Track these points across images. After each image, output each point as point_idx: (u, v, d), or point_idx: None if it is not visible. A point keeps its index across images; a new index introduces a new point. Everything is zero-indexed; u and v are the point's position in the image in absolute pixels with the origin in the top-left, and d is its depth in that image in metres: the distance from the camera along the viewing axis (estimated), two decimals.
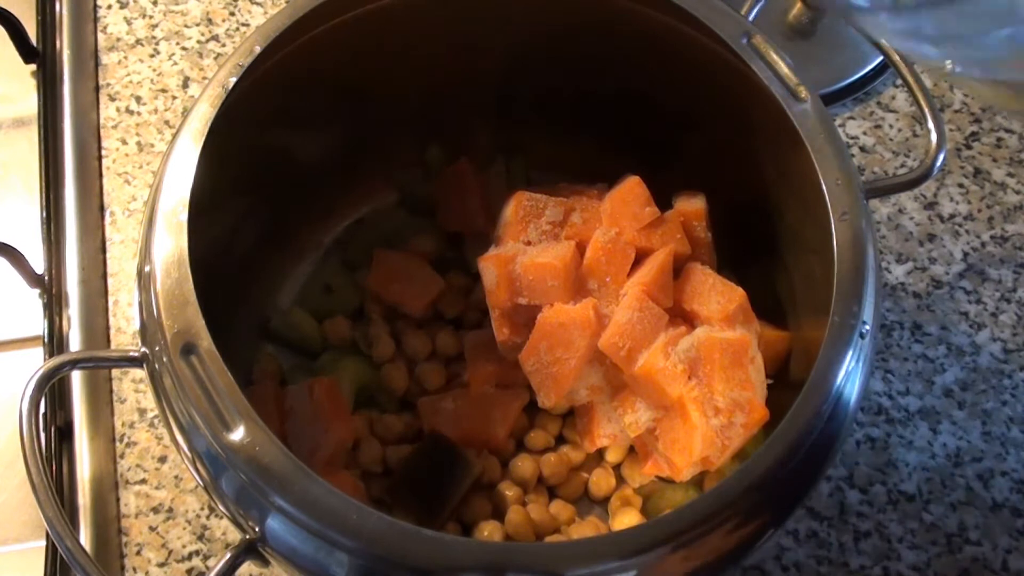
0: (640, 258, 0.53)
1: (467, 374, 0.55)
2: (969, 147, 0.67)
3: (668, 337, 0.49)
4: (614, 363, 0.50)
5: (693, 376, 0.49)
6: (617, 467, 0.55)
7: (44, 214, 0.62)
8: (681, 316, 0.52)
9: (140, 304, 0.44)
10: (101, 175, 0.64)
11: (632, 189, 0.53)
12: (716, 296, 0.51)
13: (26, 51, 0.67)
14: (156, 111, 0.66)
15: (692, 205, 0.55)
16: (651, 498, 0.54)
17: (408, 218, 0.61)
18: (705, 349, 0.49)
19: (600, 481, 0.54)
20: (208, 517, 0.55)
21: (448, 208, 0.60)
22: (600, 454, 0.55)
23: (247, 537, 0.40)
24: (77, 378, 0.57)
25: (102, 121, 0.65)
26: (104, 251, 0.62)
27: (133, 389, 0.58)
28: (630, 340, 0.49)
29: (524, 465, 0.53)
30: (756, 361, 0.50)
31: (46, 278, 0.60)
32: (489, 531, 0.51)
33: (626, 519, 0.53)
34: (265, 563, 0.41)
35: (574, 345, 0.50)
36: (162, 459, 0.56)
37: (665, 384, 0.48)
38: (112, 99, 0.66)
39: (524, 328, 0.52)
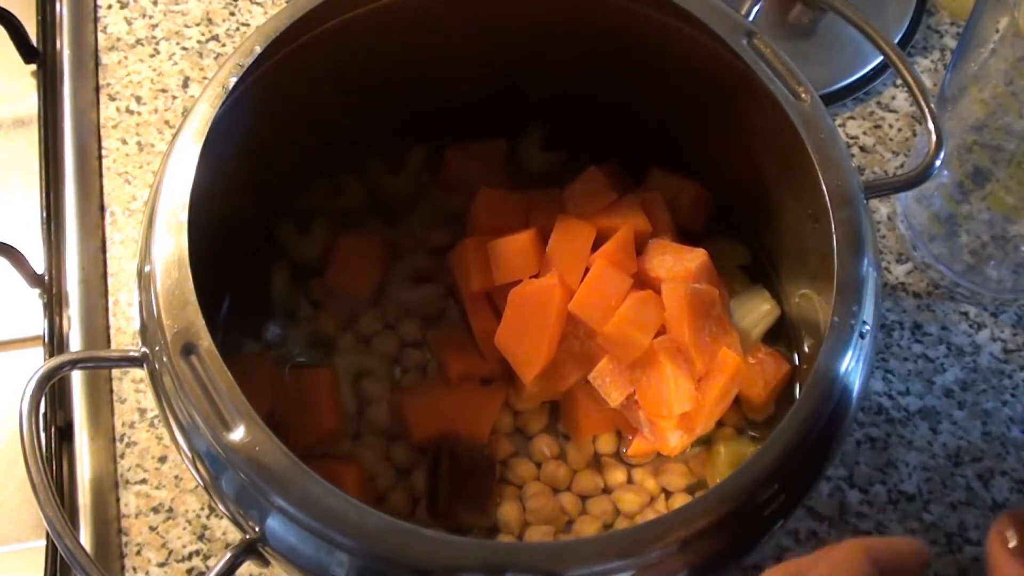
0: (601, 241, 0.53)
1: (443, 367, 0.55)
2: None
3: (636, 296, 0.51)
4: (587, 332, 0.51)
5: (663, 331, 0.50)
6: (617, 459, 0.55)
7: (44, 214, 0.62)
8: (647, 285, 0.53)
9: (140, 304, 0.44)
10: (101, 175, 0.64)
11: (591, 178, 0.55)
12: (678, 259, 0.52)
13: (26, 51, 0.67)
14: (156, 111, 0.66)
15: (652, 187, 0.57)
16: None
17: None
18: (672, 299, 0.50)
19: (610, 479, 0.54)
20: (208, 517, 0.55)
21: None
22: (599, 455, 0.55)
23: (247, 537, 0.40)
24: (77, 378, 0.57)
25: (102, 121, 0.65)
26: (104, 251, 0.62)
27: (133, 389, 0.58)
28: (599, 299, 0.51)
29: (521, 463, 0.53)
30: (724, 320, 0.51)
31: (46, 278, 0.60)
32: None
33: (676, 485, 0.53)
34: (265, 563, 0.41)
35: (545, 313, 0.51)
36: (162, 459, 0.56)
37: (636, 335, 0.49)
38: (112, 99, 0.66)
39: (498, 318, 0.53)
